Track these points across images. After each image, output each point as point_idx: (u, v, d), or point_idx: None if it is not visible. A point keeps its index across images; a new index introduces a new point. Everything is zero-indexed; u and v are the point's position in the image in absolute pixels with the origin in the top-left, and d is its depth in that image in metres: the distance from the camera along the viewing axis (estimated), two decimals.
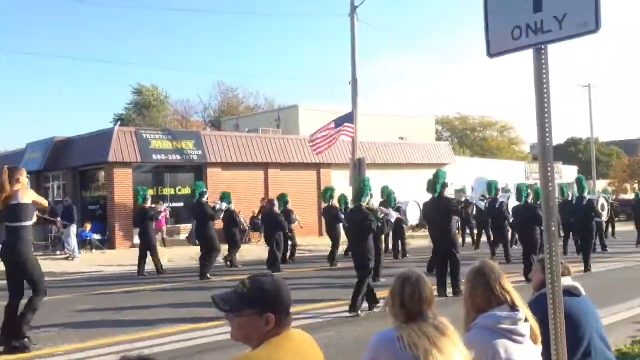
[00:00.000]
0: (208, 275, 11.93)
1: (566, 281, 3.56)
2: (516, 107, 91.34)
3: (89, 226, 18.69)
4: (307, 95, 79.22)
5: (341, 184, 22.73)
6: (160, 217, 14.93)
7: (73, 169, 20.67)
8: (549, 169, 2.97)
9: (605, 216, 16.38)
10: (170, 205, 19.07)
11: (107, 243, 19.07)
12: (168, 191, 20.38)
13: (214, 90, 55.39)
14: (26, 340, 6.33)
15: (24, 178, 6.53)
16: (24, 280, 6.49)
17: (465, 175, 26.90)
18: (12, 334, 6.28)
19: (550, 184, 2.97)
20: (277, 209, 13.45)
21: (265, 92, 75.18)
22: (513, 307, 2.89)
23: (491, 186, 15.19)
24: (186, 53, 70.19)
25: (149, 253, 12.79)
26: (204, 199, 12.53)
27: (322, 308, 8.58)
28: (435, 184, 10.35)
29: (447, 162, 27.96)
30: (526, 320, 2.89)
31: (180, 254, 16.77)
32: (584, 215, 12.87)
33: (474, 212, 15.35)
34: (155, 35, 71.05)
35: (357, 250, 8.57)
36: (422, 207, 14.25)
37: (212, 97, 51.98)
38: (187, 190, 20.75)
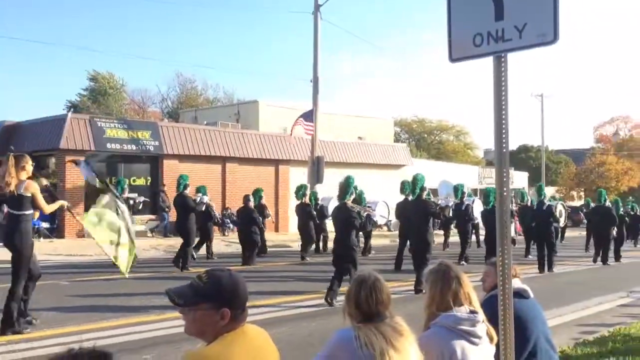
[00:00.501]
0: (189, 268, 11.82)
1: (515, 283, 3.67)
2: (471, 112, 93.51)
3: (37, 214, 18.02)
4: (267, 91, 78.78)
5: (299, 180, 22.77)
6: (140, 207, 14.80)
7: None
8: (505, 173, 3.05)
9: (562, 222, 17.25)
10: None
11: (56, 232, 18.50)
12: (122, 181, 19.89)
13: (173, 81, 54.47)
14: (22, 323, 6.52)
15: (29, 166, 6.64)
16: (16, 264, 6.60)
17: None
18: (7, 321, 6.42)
19: (505, 189, 3.05)
20: (252, 204, 13.59)
21: (224, 85, 74.47)
22: (472, 308, 2.96)
23: (457, 189, 15.81)
24: (145, 42, 68.72)
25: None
26: (187, 191, 12.50)
27: (277, 303, 8.57)
28: (415, 187, 10.92)
29: (404, 164, 28.35)
30: (483, 321, 2.96)
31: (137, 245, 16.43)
32: (543, 221, 13.53)
33: (450, 214, 15.80)
34: (113, 21, 69.24)
35: (342, 244, 9.01)
36: (394, 206, 14.68)
37: (171, 87, 51.15)
38: (141, 181, 20.36)
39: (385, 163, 27.58)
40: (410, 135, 56.34)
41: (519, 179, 39.70)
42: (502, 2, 3.05)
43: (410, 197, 12.32)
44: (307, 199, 14.91)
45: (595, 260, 15.19)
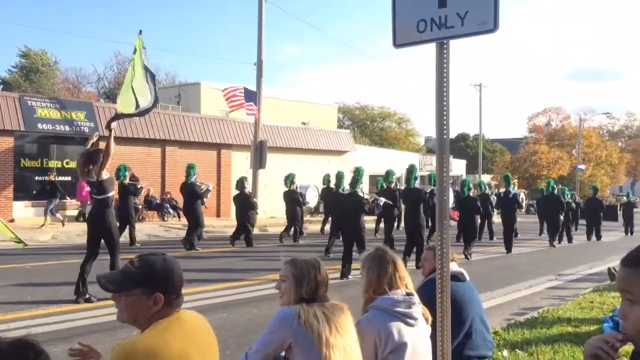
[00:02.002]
0: (197, 247, 13.05)
1: (452, 267, 3.77)
2: (413, 100, 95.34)
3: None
4: (210, 73, 77.31)
5: (241, 165, 22.54)
6: (141, 192, 15.53)
7: None
8: (445, 159, 3.10)
9: (524, 208, 18.70)
10: (58, 179, 18.03)
11: None
12: (54, 163, 19.04)
13: (110, 60, 52.43)
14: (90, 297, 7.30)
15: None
16: (102, 242, 7.59)
17: (364, 164, 27.62)
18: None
19: (445, 175, 3.10)
20: (247, 190, 14.73)
21: (166, 67, 72.47)
22: (408, 291, 3.04)
23: (431, 178, 17.14)
24: (80, 19, 65.73)
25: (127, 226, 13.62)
26: (194, 179, 13.41)
27: (219, 289, 8.45)
28: (410, 176, 12.22)
29: (347, 150, 28.56)
30: (418, 303, 3.04)
31: (65, 231, 15.82)
32: (509, 206, 15.29)
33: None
34: None
35: (352, 227, 10.36)
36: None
37: (108, 67, 49.24)
38: (75, 164, 19.53)
39: (329, 149, 27.69)
40: (353, 122, 56.78)
41: (457, 167, 40.83)
42: None
43: (392, 185, 14.71)
44: (294, 187, 16.06)
45: (551, 244, 16.62)
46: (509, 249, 14.47)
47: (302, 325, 2.43)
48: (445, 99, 3.09)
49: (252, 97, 19.48)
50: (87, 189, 18.14)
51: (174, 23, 72.97)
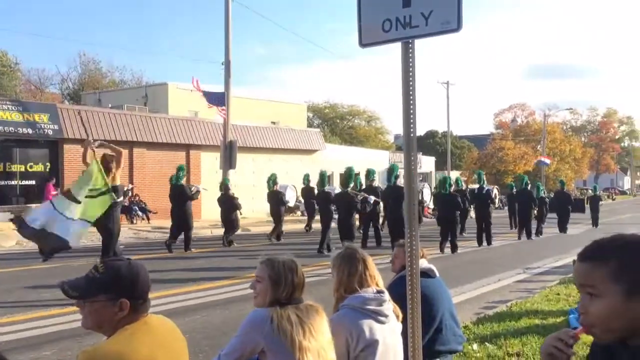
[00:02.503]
0: (192, 249, 13.26)
1: (422, 264, 3.81)
2: (382, 98, 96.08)
3: None
4: (177, 73, 76.38)
5: (211, 166, 22.35)
6: (129, 194, 15.46)
7: None
8: (413, 157, 3.13)
9: (497, 204, 19.20)
10: (21, 183, 17.62)
11: None
12: (17, 167, 18.58)
13: (74, 61, 51.37)
14: None
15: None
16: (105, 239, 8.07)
17: (334, 162, 27.73)
18: None
19: (413, 171, 3.13)
20: (231, 192, 15.00)
21: (132, 67, 71.32)
22: (378, 289, 3.05)
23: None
24: (41, 19, 64.18)
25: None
26: (183, 181, 13.67)
27: (191, 291, 8.36)
28: (391, 175, 12.71)
29: (317, 149, 28.60)
30: (389, 300, 3.06)
31: None
32: (483, 202, 15.95)
33: (423, 198, 16.71)
34: None
35: (344, 223, 11.52)
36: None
37: (72, 68, 48.20)
38: (39, 167, 19.12)
39: (299, 148, 27.68)
40: (323, 121, 56.88)
41: (426, 163, 41.29)
42: None
43: (373, 184, 14.97)
44: (277, 187, 16.30)
45: (520, 237, 17.23)
46: (489, 241, 15.22)
47: (275, 329, 2.39)
48: (411, 97, 3.12)
49: (220, 97, 19.35)
50: (54, 192, 17.98)
51: (140, 22, 71.92)
